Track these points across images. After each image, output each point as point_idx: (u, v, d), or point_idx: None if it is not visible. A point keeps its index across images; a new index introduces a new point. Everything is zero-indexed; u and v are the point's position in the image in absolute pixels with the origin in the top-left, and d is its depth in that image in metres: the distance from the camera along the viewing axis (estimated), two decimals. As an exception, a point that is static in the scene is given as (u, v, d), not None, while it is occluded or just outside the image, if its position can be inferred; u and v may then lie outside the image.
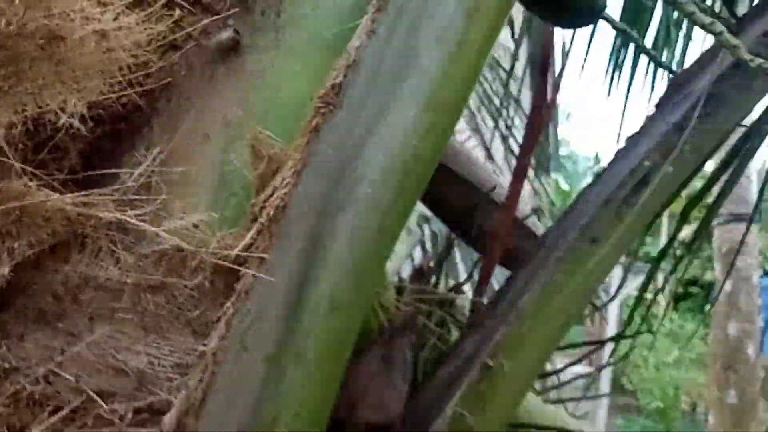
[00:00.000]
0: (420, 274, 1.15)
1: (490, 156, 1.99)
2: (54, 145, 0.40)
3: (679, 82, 0.68)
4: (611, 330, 7.80)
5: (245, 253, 0.41)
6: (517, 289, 0.59)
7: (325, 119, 0.42)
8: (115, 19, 0.37)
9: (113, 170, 0.42)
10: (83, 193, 0.38)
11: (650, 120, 0.62)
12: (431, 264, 1.09)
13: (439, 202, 1.04)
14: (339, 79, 0.42)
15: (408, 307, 0.86)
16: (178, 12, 0.43)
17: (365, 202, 0.43)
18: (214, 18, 0.44)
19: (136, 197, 0.41)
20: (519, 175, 0.83)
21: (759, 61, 0.49)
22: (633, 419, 6.59)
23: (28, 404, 0.39)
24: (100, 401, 0.40)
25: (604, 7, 0.59)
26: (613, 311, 7.83)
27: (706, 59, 0.67)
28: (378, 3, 0.43)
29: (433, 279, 1.05)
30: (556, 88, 0.80)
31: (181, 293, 0.42)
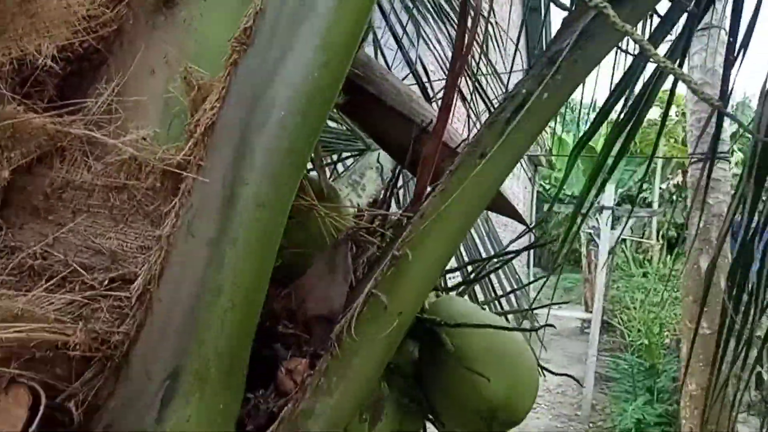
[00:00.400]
0: (375, 202, 1.30)
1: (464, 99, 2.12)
2: (35, 80, 0.52)
3: (567, 22, 0.79)
4: (601, 275, 8.00)
5: (186, 158, 0.54)
6: (417, 207, 0.73)
7: (240, 56, 0.55)
8: (73, -19, 0.49)
9: (81, 100, 0.55)
10: (57, 112, 0.51)
11: (541, 55, 0.75)
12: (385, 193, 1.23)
13: (384, 137, 1.17)
14: (249, 24, 0.54)
15: (363, 226, 1.01)
16: (124, -26, 0.55)
17: (278, 123, 0.56)
18: (154, -22, 0.56)
19: (100, 118, 0.54)
20: (445, 110, 0.95)
21: (596, 1, 0.61)
22: (621, 356, 6.85)
23: (30, 274, 0.53)
24: (83, 272, 0.55)
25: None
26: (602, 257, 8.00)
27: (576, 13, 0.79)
28: (278, -38, 0.54)
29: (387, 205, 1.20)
30: (474, 32, 0.91)
31: (139, 192, 0.55)
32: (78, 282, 0.54)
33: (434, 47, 2.47)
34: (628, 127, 1.13)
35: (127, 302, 0.55)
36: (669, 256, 8.56)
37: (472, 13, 0.94)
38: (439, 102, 1.11)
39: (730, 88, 1.00)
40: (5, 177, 0.51)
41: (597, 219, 10.58)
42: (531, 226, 1.17)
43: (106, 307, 0.54)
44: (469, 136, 1.05)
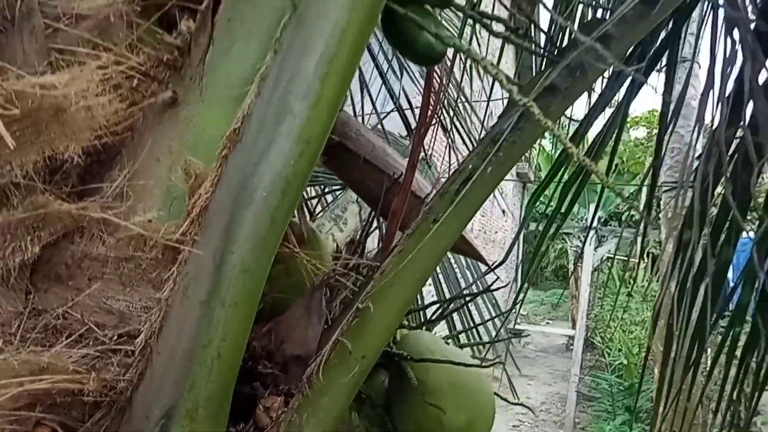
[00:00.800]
0: (352, 243, 1.43)
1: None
2: (63, 171, 0.64)
3: (511, 103, 0.92)
4: (586, 288, 8.12)
5: (183, 234, 0.66)
6: (386, 256, 0.85)
7: (230, 151, 0.67)
8: (96, 96, 0.61)
9: (99, 185, 0.67)
10: (81, 203, 0.62)
11: (486, 133, 0.87)
12: (359, 236, 1.36)
13: (361, 187, 1.30)
14: (238, 125, 0.66)
15: (337, 270, 1.13)
16: (135, 81, 0.67)
17: (261, 202, 0.68)
18: (159, 84, 0.69)
19: (114, 201, 0.66)
20: (411, 166, 1.08)
21: (524, 100, 0.73)
22: (602, 375, 6.96)
23: (53, 332, 0.65)
24: (96, 330, 0.66)
25: (442, 56, 0.83)
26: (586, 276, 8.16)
27: (533, 85, 0.92)
28: (261, 75, 0.67)
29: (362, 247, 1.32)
30: (438, 98, 1.04)
31: (144, 262, 0.67)
32: (92, 338, 0.65)
33: (417, 82, 2.61)
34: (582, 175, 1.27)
35: (131, 354, 0.66)
36: (654, 275, 8.71)
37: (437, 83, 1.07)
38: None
39: (662, 155, 1.13)
40: (36, 252, 0.62)
41: (581, 238, 10.70)
42: (493, 266, 1.29)
43: (115, 359, 0.65)
44: (435, 187, 1.18)
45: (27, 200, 0.60)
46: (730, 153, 0.96)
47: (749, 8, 0.99)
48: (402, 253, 0.82)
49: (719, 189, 1.06)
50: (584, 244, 7.54)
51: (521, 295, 1.83)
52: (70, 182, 0.65)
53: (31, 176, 0.61)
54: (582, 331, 7.26)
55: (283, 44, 0.67)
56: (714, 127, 0.98)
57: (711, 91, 0.93)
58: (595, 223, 7.95)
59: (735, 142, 0.98)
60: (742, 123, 0.91)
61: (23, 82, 0.57)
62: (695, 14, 1.11)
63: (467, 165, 0.83)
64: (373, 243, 1.52)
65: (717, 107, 0.92)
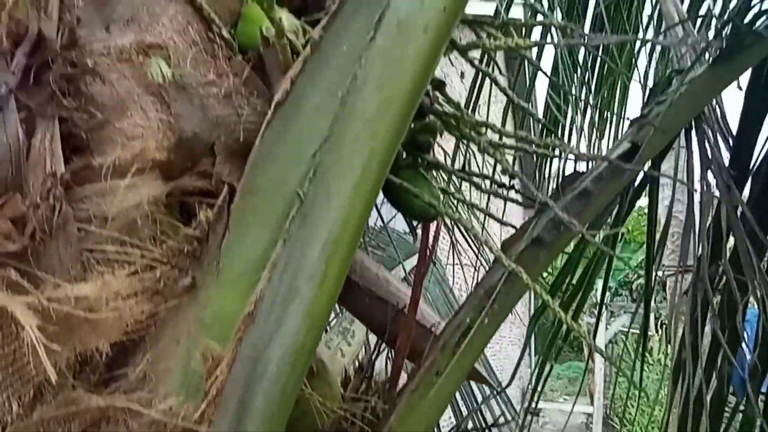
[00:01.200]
0: (361, 368, 1.46)
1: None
2: (93, 363, 0.70)
3: (501, 250, 0.99)
4: (600, 367, 7.96)
5: (201, 416, 0.71)
6: (393, 407, 0.89)
7: (244, 332, 0.73)
8: (125, 299, 0.68)
9: (124, 370, 0.72)
10: (108, 396, 0.68)
11: (474, 289, 0.94)
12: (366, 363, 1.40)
13: (366, 316, 1.35)
14: (251, 309, 0.73)
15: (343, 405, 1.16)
16: (159, 274, 0.74)
17: (272, 376, 0.73)
18: (180, 271, 0.76)
19: (137, 385, 0.71)
20: (414, 304, 1.13)
21: (512, 265, 0.80)
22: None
23: None
24: None
25: (436, 216, 0.91)
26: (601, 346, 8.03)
27: (520, 237, 0.99)
28: (272, 262, 0.74)
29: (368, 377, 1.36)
30: (436, 236, 1.11)
31: (165, 443, 0.71)
32: None
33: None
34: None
35: None
36: (669, 346, 8.51)
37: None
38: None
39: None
40: (67, 444, 0.67)
41: (593, 312, 10.58)
42: (503, 388, 1.32)
43: None
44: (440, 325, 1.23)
45: (59, 396, 0.66)
46: (715, 286, 1.02)
47: (722, 146, 1.08)
48: (408, 407, 0.86)
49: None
50: (597, 321, 7.49)
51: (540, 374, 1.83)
52: (98, 371, 0.71)
53: (63, 373, 0.67)
54: (600, 410, 7.05)
55: (292, 233, 0.74)
56: (698, 257, 1.04)
57: (692, 229, 1.00)
58: (605, 298, 7.92)
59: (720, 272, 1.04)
60: (722, 260, 0.97)
61: (59, 293, 0.64)
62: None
63: (465, 318, 0.89)
64: (380, 363, 1.55)
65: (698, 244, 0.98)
